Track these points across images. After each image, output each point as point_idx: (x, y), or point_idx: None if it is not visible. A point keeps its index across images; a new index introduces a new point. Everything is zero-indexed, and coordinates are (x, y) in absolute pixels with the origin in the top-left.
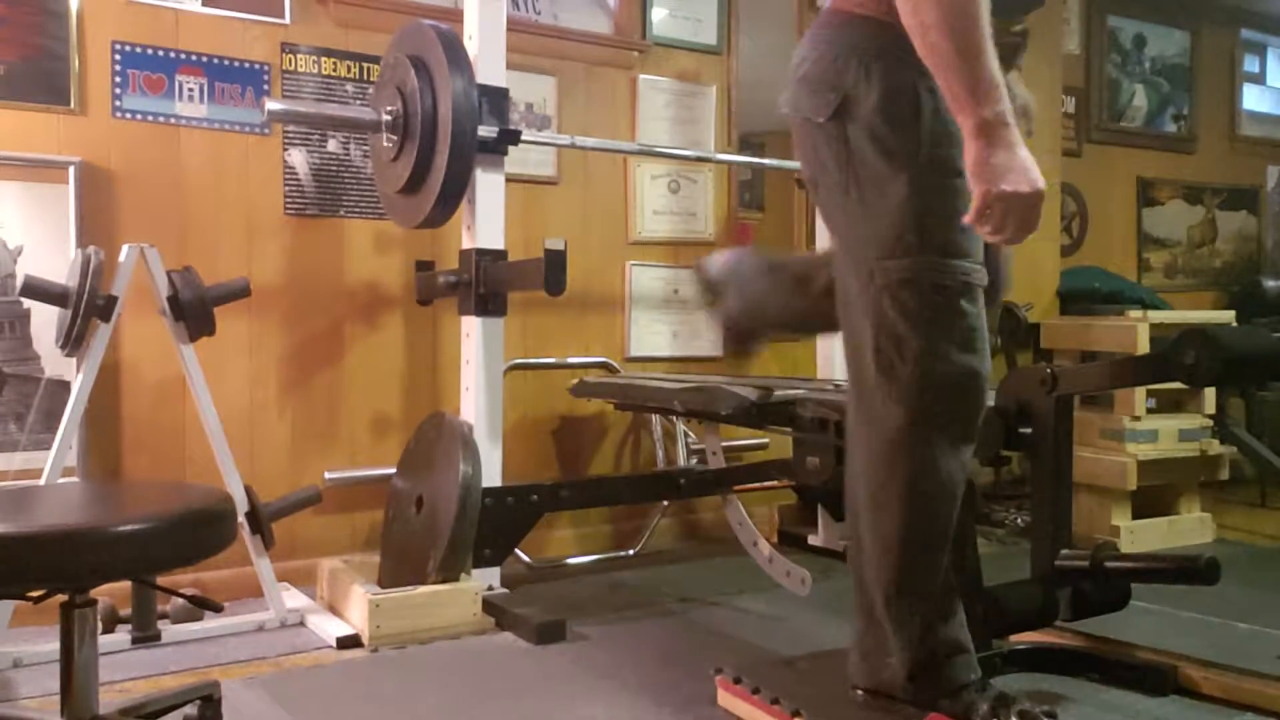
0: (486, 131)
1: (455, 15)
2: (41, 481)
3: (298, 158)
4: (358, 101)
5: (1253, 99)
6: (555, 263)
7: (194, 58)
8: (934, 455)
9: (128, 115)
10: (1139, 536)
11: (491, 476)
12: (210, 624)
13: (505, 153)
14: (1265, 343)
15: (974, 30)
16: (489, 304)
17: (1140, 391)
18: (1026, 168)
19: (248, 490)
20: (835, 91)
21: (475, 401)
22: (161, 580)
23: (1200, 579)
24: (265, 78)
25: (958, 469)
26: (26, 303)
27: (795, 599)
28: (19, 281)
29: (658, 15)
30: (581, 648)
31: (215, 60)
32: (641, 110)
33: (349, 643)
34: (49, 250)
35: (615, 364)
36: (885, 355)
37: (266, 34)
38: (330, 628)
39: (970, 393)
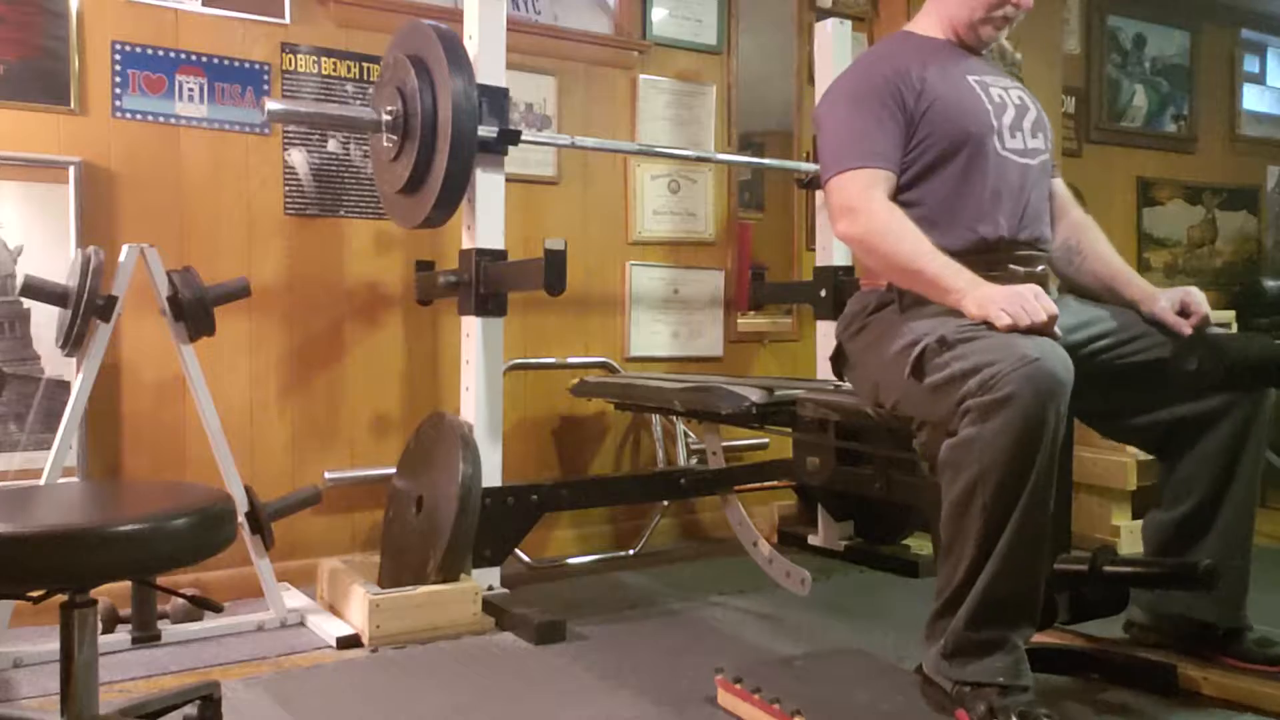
0: (486, 131)
1: (455, 15)
2: (41, 481)
3: (298, 158)
4: (358, 101)
5: (1253, 99)
6: (555, 263)
7: (194, 58)
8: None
9: (128, 115)
10: (1139, 537)
11: (491, 476)
12: (210, 624)
13: (505, 153)
14: (1268, 348)
15: (903, 261)
16: (489, 304)
17: None
18: (983, 303)
19: (248, 490)
20: None
21: (475, 401)
22: (161, 580)
23: (1199, 584)
24: (265, 78)
25: (956, 449)
26: (26, 303)
27: (795, 599)
28: (19, 281)
29: (658, 15)
30: (581, 648)
31: (215, 60)
32: (641, 110)
33: (349, 643)
34: (49, 250)
35: (615, 364)
36: None
37: (266, 34)
38: (330, 628)
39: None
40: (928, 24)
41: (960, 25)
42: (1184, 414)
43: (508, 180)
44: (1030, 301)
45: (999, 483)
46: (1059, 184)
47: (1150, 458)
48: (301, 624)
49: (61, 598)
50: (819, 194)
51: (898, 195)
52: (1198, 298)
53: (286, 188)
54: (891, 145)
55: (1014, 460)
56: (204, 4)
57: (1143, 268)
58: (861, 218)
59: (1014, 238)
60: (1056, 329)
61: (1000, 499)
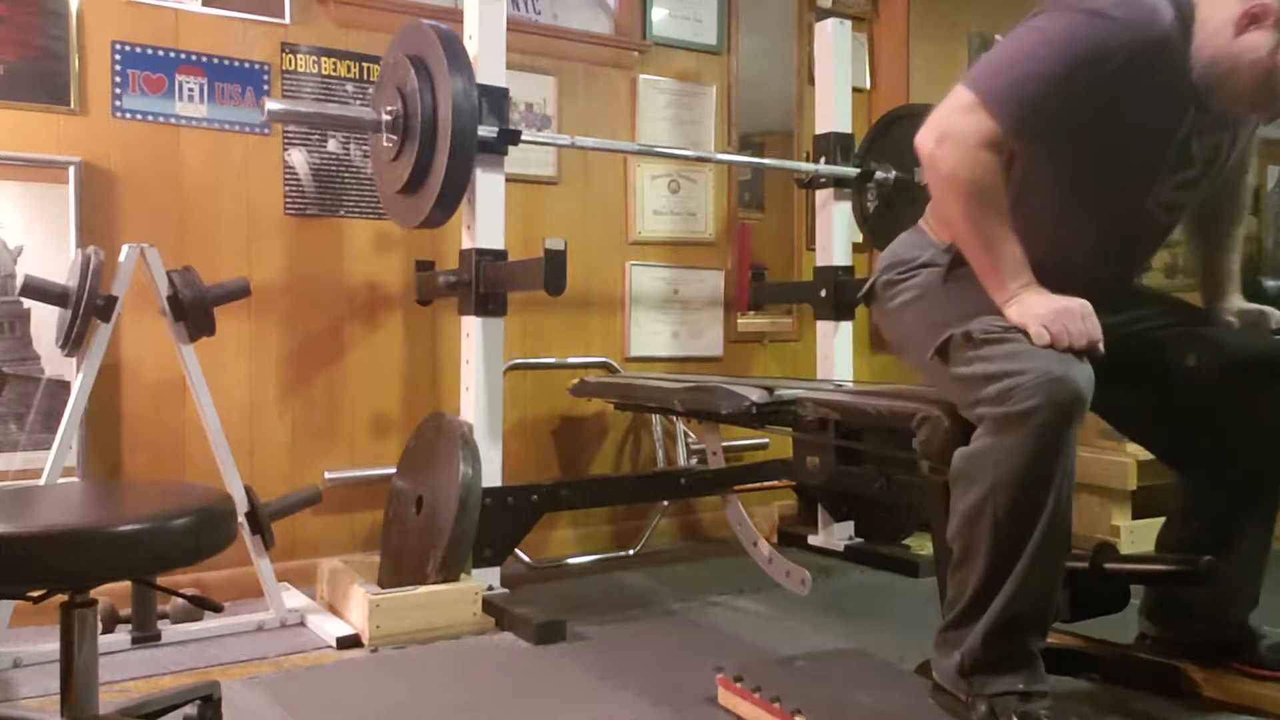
0: (486, 131)
1: (455, 15)
2: (41, 481)
3: (298, 158)
4: (358, 101)
5: None
6: (555, 263)
7: (194, 58)
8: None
9: (128, 115)
10: (1139, 536)
11: (491, 476)
12: (210, 624)
13: (505, 153)
14: (1267, 344)
15: (975, 228)
16: (489, 304)
17: None
18: (1026, 313)
19: (248, 490)
20: None
21: (475, 401)
22: (161, 580)
23: (1200, 581)
24: (265, 78)
25: (969, 459)
26: (26, 303)
27: (795, 599)
28: (19, 281)
29: (658, 15)
30: (581, 648)
31: (215, 60)
32: (641, 110)
33: (349, 643)
34: (49, 250)
35: (615, 364)
36: None
37: (266, 34)
38: (330, 628)
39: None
40: (1202, 32)
41: (1202, 73)
42: (1204, 424)
43: (508, 180)
44: (1076, 322)
45: (1012, 500)
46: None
47: (1149, 458)
48: (301, 624)
49: (61, 598)
50: (819, 194)
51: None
52: (1272, 320)
53: (286, 188)
54: (1049, 107)
55: (1028, 477)
56: (204, 4)
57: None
58: (957, 155)
59: (1092, 277)
60: (1100, 348)
61: (1012, 516)
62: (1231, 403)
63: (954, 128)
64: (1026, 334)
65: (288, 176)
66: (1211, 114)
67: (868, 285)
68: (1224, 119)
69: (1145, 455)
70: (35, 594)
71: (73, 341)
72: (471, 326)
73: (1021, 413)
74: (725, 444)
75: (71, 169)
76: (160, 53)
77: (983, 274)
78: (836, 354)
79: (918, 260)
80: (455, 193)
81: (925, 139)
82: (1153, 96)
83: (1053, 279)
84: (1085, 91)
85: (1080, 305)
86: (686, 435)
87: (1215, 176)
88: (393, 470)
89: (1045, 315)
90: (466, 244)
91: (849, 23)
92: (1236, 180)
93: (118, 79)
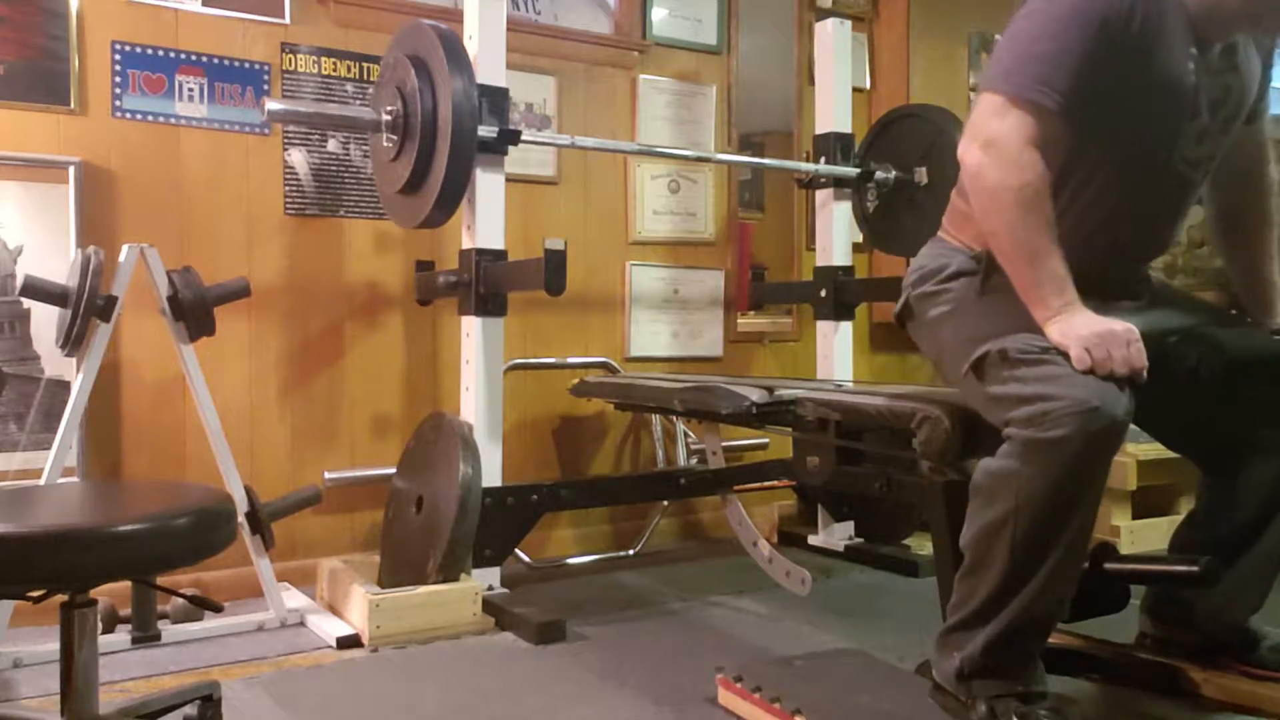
0: (486, 131)
1: (455, 15)
2: (41, 481)
3: (298, 158)
4: (358, 101)
5: None
6: (555, 263)
7: (194, 58)
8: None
9: (128, 115)
10: (1139, 536)
11: (491, 476)
12: (210, 624)
13: (505, 153)
14: (1267, 344)
15: (1019, 243)
16: (489, 304)
17: None
18: (1069, 334)
19: (248, 490)
20: None
21: (475, 401)
22: (161, 580)
23: (1200, 581)
24: (265, 78)
25: (993, 476)
26: (26, 303)
27: (795, 599)
28: (19, 281)
29: (658, 15)
30: (581, 648)
31: (215, 60)
32: (641, 110)
33: (349, 643)
34: (49, 250)
35: (615, 364)
36: None
37: (266, 34)
38: (330, 628)
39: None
40: None
41: (1198, 5)
42: (1233, 428)
43: (508, 180)
44: (1120, 347)
45: (1034, 523)
46: (1259, 135)
47: (1149, 458)
48: (301, 624)
49: (61, 598)
50: (819, 194)
51: None
52: None
53: (286, 188)
54: (1074, 85)
55: (1053, 504)
56: (204, 4)
57: None
58: (1005, 159)
59: (1119, 261)
60: (1144, 375)
61: (1032, 538)
62: (1261, 406)
63: (997, 132)
64: (1067, 356)
65: (288, 176)
66: (1212, 50)
67: (901, 303)
68: (1228, 57)
69: (1145, 455)
70: (35, 594)
71: (73, 341)
72: (471, 326)
73: (1051, 440)
74: (725, 444)
75: (71, 169)
76: (160, 53)
77: (1024, 290)
78: (836, 354)
79: (948, 270)
80: (455, 193)
81: (969, 149)
82: (1162, 46)
83: (1090, 264)
84: (1107, 54)
85: (1125, 330)
86: (686, 435)
87: (1230, 123)
88: (393, 470)
89: (1088, 338)
90: (466, 244)
91: (849, 23)
92: (1254, 169)
93: (118, 79)
